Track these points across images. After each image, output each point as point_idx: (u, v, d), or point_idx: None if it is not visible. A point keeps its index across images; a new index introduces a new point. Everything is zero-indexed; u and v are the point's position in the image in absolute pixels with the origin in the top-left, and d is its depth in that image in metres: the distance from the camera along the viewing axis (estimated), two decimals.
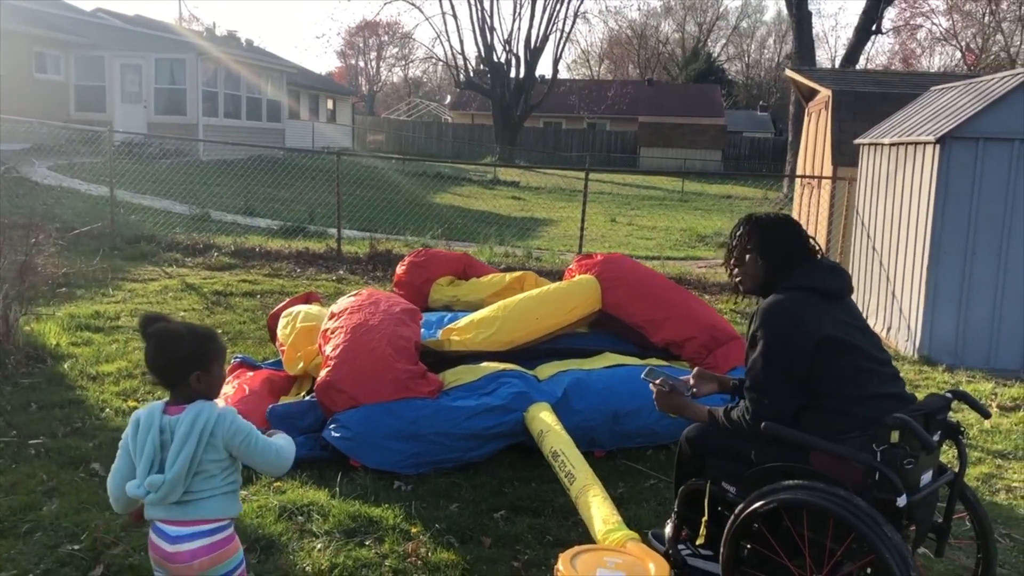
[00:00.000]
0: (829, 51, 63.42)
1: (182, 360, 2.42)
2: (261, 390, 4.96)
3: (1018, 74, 7.42)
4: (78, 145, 18.64)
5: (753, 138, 45.70)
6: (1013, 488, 4.69)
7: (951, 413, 3.06)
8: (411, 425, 4.38)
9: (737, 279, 3.18)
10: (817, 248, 3.12)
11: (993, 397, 6.42)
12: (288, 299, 6.39)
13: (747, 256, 3.12)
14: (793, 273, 3.02)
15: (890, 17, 43.83)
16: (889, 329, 8.08)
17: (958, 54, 45.56)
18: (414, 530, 3.80)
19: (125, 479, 2.46)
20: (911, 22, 45.07)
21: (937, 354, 7.38)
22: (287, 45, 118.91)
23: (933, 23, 47.49)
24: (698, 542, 3.13)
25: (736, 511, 2.89)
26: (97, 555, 3.42)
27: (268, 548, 3.56)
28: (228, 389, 4.92)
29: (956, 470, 3.08)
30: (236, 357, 5.95)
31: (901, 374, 3.09)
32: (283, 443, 2.56)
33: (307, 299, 6.26)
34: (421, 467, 4.43)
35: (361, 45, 66.40)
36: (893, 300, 8.05)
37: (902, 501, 2.67)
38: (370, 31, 61.83)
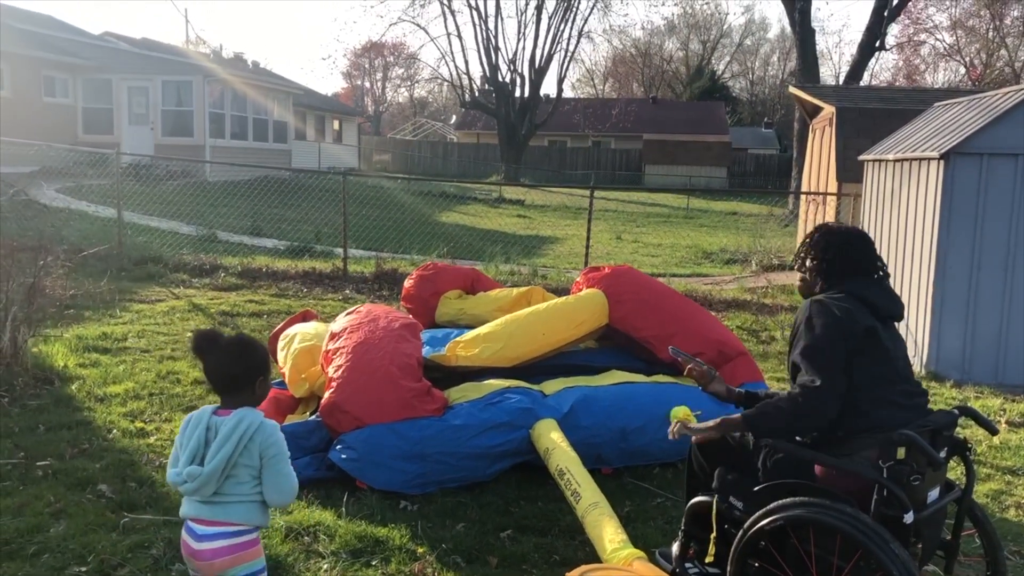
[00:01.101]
0: (833, 68, 63.48)
1: (255, 366, 2.64)
2: (267, 409, 4.96)
3: (1021, 89, 7.44)
4: (86, 167, 18.75)
5: (758, 155, 45.77)
6: (1023, 504, 4.66)
7: (959, 429, 3.05)
8: (416, 445, 4.38)
9: (800, 283, 3.26)
10: (882, 269, 3.13)
11: (1002, 413, 6.39)
12: (286, 319, 6.38)
13: (808, 262, 3.18)
14: (846, 284, 3.04)
15: (894, 33, 44.04)
16: None
17: (962, 70, 45.63)
18: (420, 550, 3.80)
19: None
20: (915, 38, 45.16)
21: (944, 370, 7.35)
22: (293, 66, 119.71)
23: (937, 39, 47.43)
24: (707, 560, 3.12)
25: (743, 528, 2.89)
26: None
27: (275, 569, 3.55)
28: None
29: (964, 487, 3.07)
30: None
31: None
32: (295, 483, 2.66)
33: (304, 317, 6.24)
34: (427, 487, 4.42)
35: (367, 66, 66.74)
36: None
37: (909, 518, 2.66)
38: (376, 52, 62.11)
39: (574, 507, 3.85)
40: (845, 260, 3.09)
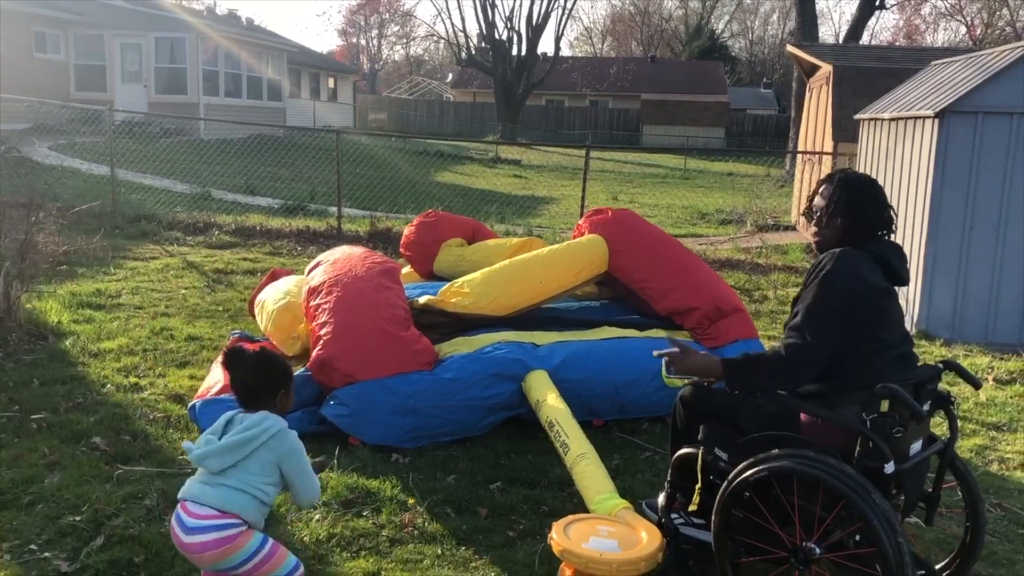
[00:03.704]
0: (833, 27, 63.05)
1: (277, 379, 2.79)
2: None
3: (1017, 47, 7.39)
4: (79, 124, 18.63)
5: (756, 115, 45.50)
6: (1006, 459, 4.72)
7: (947, 385, 3.08)
8: (408, 399, 4.40)
9: (816, 238, 3.16)
10: (894, 222, 3.11)
11: (989, 371, 6.43)
12: (257, 285, 6.30)
13: (829, 219, 3.09)
14: (868, 238, 3.03)
15: None
16: None
17: (963, 29, 45.25)
18: (411, 501, 3.85)
19: None
20: None
21: (935, 328, 7.39)
22: (288, 24, 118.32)
23: None
24: (691, 508, 3.16)
25: (728, 479, 2.93)
26: (98, 526, 3.47)
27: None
28: None
29: (947, 440, 3.11)
30: (234, 332, 6.02)
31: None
32: (317, 487, 2.86)
33: (273, 276, 6.11)
34: (420, 441, 4.46)
35: (362, 23, 66.04)
36: None
37: (890, 468, 2.70)
38: (371, 9, 61.46)
39: (563, 457, 3.89)
40: (869, 214, 3.06)
